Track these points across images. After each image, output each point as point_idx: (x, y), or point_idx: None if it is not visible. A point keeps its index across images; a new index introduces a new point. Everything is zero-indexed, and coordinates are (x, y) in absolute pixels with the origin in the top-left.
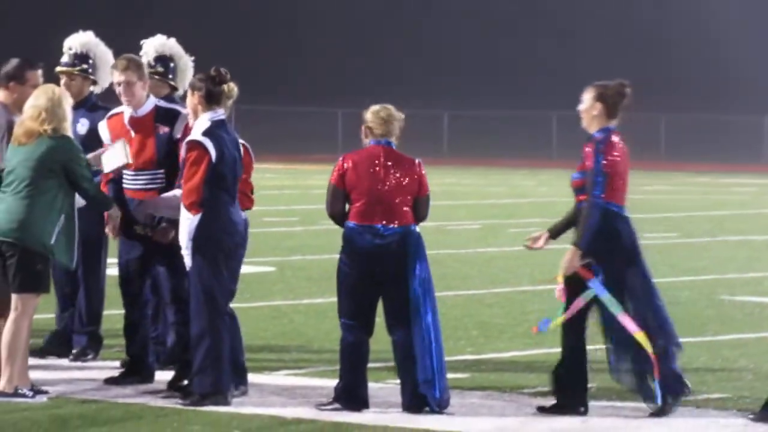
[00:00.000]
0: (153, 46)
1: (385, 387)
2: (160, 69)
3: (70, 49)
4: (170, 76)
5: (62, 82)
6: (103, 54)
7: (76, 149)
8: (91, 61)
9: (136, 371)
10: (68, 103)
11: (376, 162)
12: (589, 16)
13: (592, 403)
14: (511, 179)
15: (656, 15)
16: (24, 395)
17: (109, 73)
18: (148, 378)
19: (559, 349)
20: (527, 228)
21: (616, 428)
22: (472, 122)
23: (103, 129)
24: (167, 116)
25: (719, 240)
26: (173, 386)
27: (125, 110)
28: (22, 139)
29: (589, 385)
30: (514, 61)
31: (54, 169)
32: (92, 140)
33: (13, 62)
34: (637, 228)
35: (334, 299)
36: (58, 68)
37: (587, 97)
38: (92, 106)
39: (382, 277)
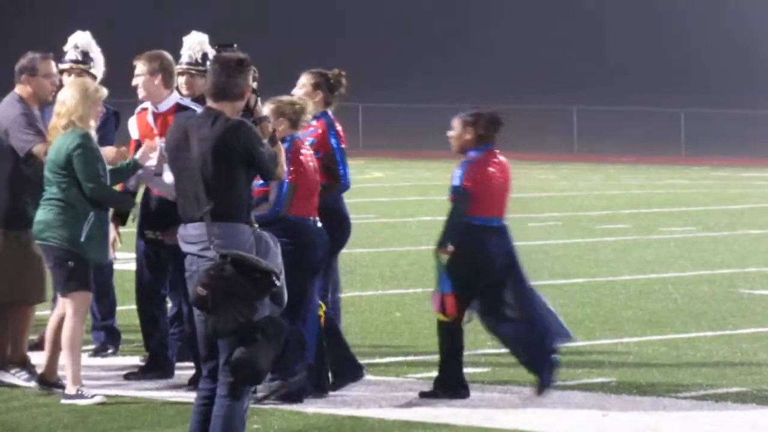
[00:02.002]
0: (198, 42)
1: (405, 381)
2: (204, 67)
3: (77, 47)
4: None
5: (70, 78)
6: (99, 53)
7: (83, 144)
8: (93, 56)
9: (156, 366)
10: (89, 98)
11: (312, 157)
12: (610, 12)
13: (612, 397)
14: (532, 173)
15: (678, 9)
16: (84, 396)
17: (102, 72)
18: (168, 373)
19: (579, 343)
20: (547, 222)
21: (636, 422)
22: None
23: (132, 124)
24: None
25: (739, 234)
26: (195, 383)
27: (148, 106)
28: (49, 136)
29: (608, 379)
30: (535, 55)
31: (65, 167)
32: None
33: (27, 56)
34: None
35: (357, 293)
36: (69, 65)
37: (305, 82)
38: None
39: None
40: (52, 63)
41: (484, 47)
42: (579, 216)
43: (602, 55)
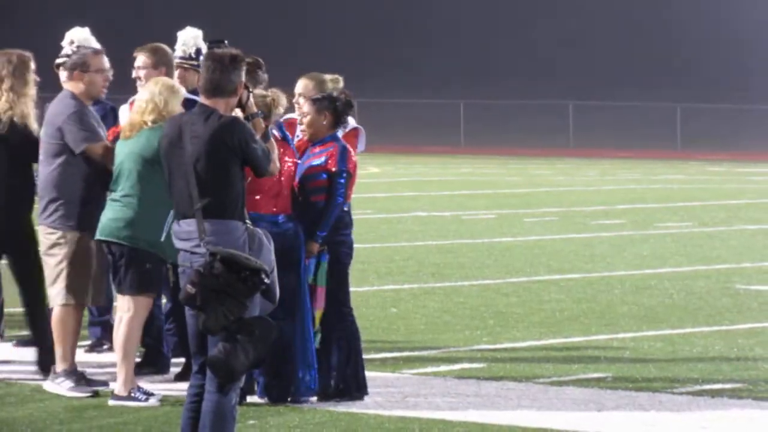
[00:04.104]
0: (192, 37)
1: (401, 377)
2: (198, 62)
3: (72, 42)
4: None
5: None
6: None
7: None
8: None
9: (151, 362)
10: (177, 95)
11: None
12: (606, 8)
13: (608, 392)
14: (528, 168)
15: (674, 4)
16: (137, 398)
17: None
18: (164, 369)
19: (575, 339)
20: (543, 217)
21: (632, 418)
22: (489, 112)
23: (124, 113)
24: None
25: (735, 229)
26: (182, 379)
27: None
28: (127, 131)
29: (604, 375)
30: (530, 49)
31: (156, 161)
32: None
33: (76, 52)
34: None
35: (352, 289)
36: (64, 59)
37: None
38: None
39: None
40: (105, 58)
41: (479, 43)
42: (575, 211)
43: (598, 51)
